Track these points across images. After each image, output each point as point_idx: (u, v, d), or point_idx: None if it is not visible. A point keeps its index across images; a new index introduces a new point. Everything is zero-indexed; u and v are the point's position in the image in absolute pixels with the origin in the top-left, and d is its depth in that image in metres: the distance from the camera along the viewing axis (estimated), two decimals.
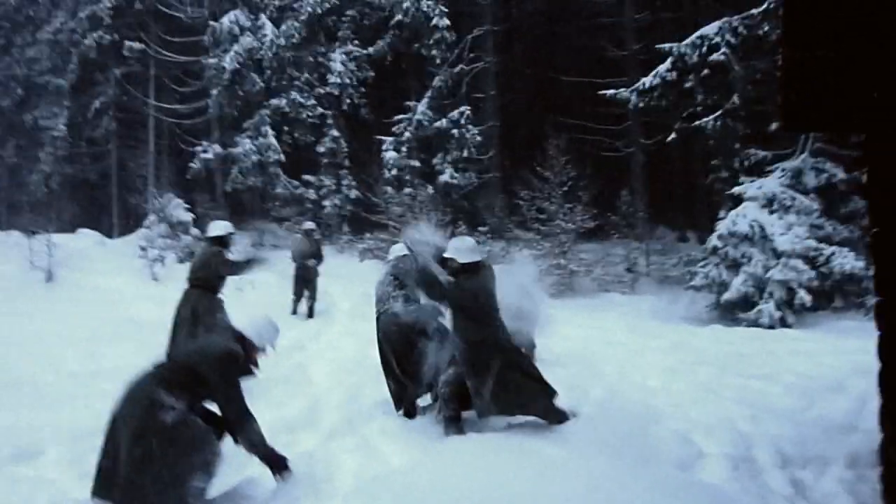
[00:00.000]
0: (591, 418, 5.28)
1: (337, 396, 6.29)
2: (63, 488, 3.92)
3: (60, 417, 5.24)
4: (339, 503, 3.57)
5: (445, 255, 5.15)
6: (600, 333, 9.58)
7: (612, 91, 13.77)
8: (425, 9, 17.74)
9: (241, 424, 3.77)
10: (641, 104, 13.11)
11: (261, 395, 6.35)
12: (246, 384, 6.22)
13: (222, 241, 7.23)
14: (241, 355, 3.86)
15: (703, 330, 9.77)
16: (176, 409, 3.54)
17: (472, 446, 4.55)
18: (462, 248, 5.10)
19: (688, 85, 12.47)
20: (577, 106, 17.76)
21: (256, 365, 4.04)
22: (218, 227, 7.41)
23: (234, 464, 3.97)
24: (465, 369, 4.84)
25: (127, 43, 22.66)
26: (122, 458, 3.46)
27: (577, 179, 14.60)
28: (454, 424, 4.93)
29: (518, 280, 6.71)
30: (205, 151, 21.16)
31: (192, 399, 3.67)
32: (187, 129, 23.89)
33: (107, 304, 10.18)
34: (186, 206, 17.68)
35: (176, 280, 13.47)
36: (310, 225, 12.65)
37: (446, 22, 17.82)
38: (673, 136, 13.13)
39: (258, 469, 3.94)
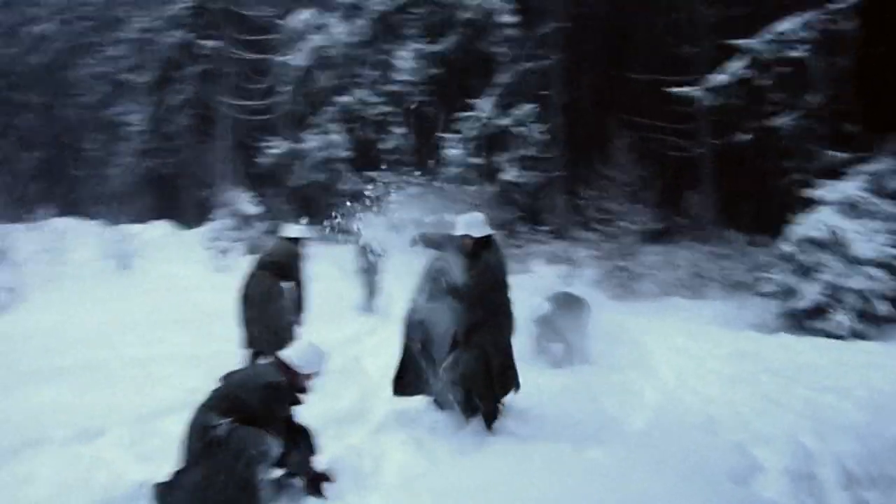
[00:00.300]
0: (644, 425, 5.15)
1: (389, 391, 6.32)
2: (119, 469, 4.08)
3: (121, 400, 5.46)
4: (381, 498, 3.57)
5: (456, 232, 4.99)
6: (660, 339, 9.29)
7: (680, 89, 13.36)
8: (492, 6, 17.65)
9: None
10: (711, 103, 12.66)
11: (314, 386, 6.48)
12: None
13: (297, 243, 7.40)
14: (283, 387, 3.82)
15: (770, 338, 9.36)
16: (225, 424, 3.59)
17: (518, 448, 4.50)
18: (473, 223, 4.93)
19: (762, 83, 11.95)
20: (644, 104, 17.29)
21: (304, 391, 4.00)
22: (295, 230, 7.57)
23: None
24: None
25: (203, 42, 23.54)
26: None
27: (642, 180, 14.25)
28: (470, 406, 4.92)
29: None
30: (273, 147, 21.73)
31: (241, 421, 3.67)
32: (257, 125, 24.63)
33: (173, 292, 10.57)
34: (254, 200, 18.18)
35: (239, 271, 13.93)
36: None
37: (513, 19, 17.68)
38: (745, 136, 12.63)
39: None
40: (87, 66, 27.77)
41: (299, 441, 3.94)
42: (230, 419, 3.58)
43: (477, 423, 5.01)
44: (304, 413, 5.32)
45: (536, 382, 6.68)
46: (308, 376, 3.94)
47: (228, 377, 3.88)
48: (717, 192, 16.29)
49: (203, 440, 3.53)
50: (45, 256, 10.95)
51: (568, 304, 8.12)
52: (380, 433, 5.01)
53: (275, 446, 3.69)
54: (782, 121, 11.66)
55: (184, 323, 8.70)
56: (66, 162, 30.96)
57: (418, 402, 5.84)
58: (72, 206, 26.84)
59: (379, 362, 7.64)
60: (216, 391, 3.79)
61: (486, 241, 4.92)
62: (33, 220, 13.27)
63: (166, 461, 4.22)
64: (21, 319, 9.04)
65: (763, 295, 11.36)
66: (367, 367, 7.41)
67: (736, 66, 12.05)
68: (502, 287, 5.00)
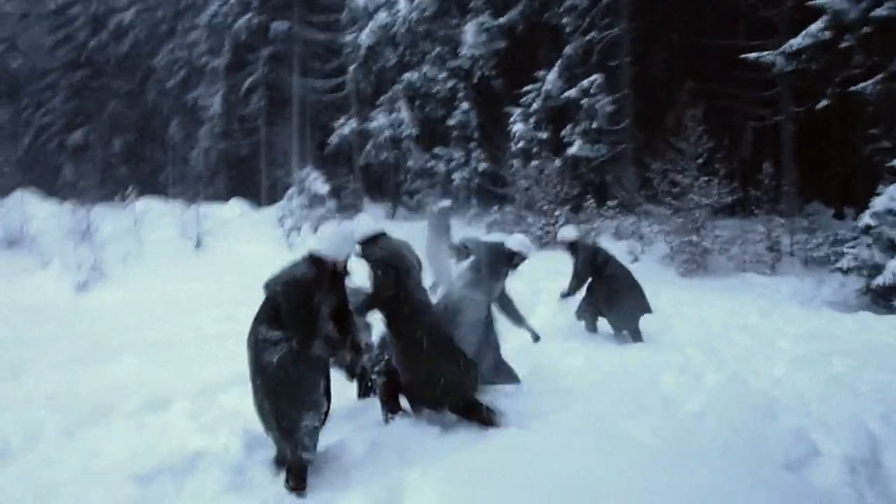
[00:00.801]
0: (699, 407, 5.02)
1: None
2: (183, 438, 4.32)
3: (191, 373, 5.76)
4: (418, 473, 3.64)
5: (514, 249, 5.66)
6: (727, 316, 8.99)
7: (754, 55, 12.67)
8: None
9: (299, 340, 3.77)
10: (790, 68, 11.95)
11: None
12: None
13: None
14: (307, 279, 3.78)
15: (848, 317, 8.87)
16: (279, 346, 3.74)
17: (563, 427, 4.48)
18: (529, 245, 5.74)
19: (844, 45, 11.19)
20: (718, 72, 16.52)
21: (342, 276, 4.02)
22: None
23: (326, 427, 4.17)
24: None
25: (273, 24, 24.05)
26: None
27: (714, 151, 13.69)
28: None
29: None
30: (342, 127, 22.09)
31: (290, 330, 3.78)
32: (327, 105, 25.08)
33: (245, 269, 10.97)
34: (324, 179, 18.59)
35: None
36: (445, 203, 11.49)
37: None
38: (825, 102, 11.89)
39: (350, 433, 4.11)
40: (166, 52, 28.88)
41: (345, 332, 4.11)
42: (282, 331, 3.76)
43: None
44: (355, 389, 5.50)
45: (592, 360, 6.63)
46: (337, 262, 3.92)
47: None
48: (798, 163, 15.46)
49: (256, 358, 3.79)
50: (126, 236, 11.57)
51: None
52: (428, 412, 5.09)
53: (327, 400, 3.94)
54: (867, 85, 10.87)
55: (254, 299, 9.01)
56: (149, 145, 32.50)
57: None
58: (154, 188, 28.20)
59: None
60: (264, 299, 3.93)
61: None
62: (119, 202, 13.99)
63: (224, 431, 4.47)
64: (103, 296, 9.66)
65: (844, 271, 10.78)
66: None
67: (816, 28, 11.30)
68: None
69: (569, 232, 7.83)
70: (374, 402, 4.96)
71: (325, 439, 4.42)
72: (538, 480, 3.48)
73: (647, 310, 7.62)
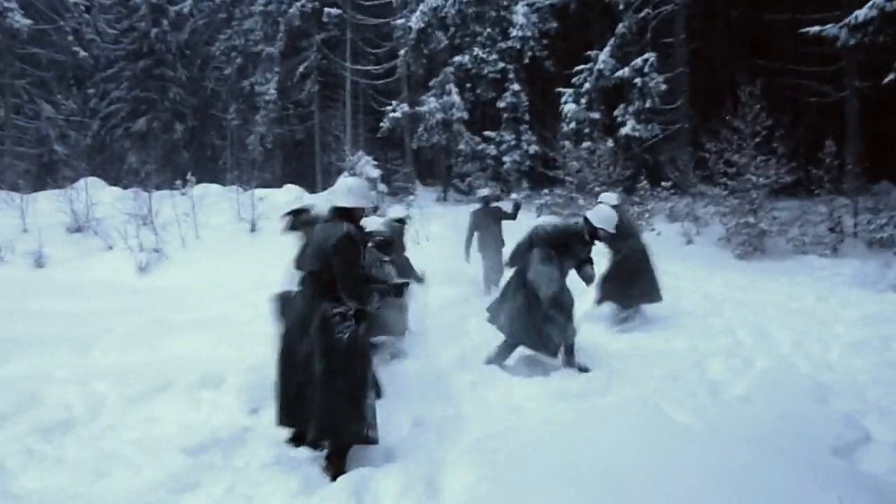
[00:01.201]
0: (746, 391, 4.93)
1: (489, 349, 6.45)
2: (233, 413, 4.50)
3: (244, 352, 5.96)
4: (457, 453, 3.71)
5: (597, 224, 5.62)
6: (783, 299, 8.75)
7: (816, 28, 12.13)
8: None
9: (357, 296, 3.76)
10: (854, 41, 11.41)
11: (416, 343, 6.74)
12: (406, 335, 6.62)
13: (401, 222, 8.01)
14: (354, 233, 3.75)
15: None
16: (347, 323, 3.71)
17: (610, 408, 4.47)
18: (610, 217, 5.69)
19: None
20: (779, 47, 15.92)
21: (363, 217, 4.03)
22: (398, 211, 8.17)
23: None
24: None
25: (326, 9, 24.30)
26: (303, 381, 3.70)
27: (772, 129, 13.20)
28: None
29: None
30: (394, 111, 22.23)
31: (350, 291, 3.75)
32: (379, 89, 25.27)
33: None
34: (375, 163, 18.78)
35: None
36: (485, 191, 10.62)
37: None
38: (892, 76, 11.32)
39: (387, 417, 4.18)
40: (223, 40, 29.55)
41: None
42: (344, 306, 3.75)
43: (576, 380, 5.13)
44: (402, 367, 5.61)
45: (638, 342, 6.58)
46: (364, 210, 3.95)
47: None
48: (864, 140, 14.79)
49: (326, 337, 3.70)
50: (185, 220, 11.98)
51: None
52: (473, 390, 5.15)
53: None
54: None
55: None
56: (209, 132, 33.41)
57: (518, 362, 5.95)
58: (213, 173, 29.01)
59: (484, 323, 7.79)
60: (306, 274, 3.92)
61: None
62: (179, 187, 14.47)
63: (274, 407, 4.63)
64: (163, 277, 10.07)
65: None
66: (471, 327, 7.56)
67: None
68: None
69: (610, 198, 7.73)
70: (414, 387, 5.06)
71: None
72: (575, 462, 3.49)
73: (653, 298, 7.53)
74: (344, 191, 3.88)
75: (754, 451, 3.74)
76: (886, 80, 11.73)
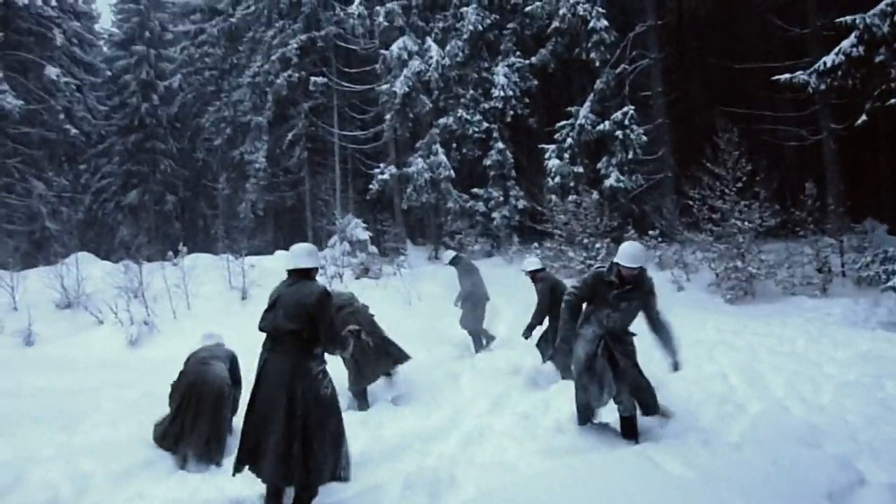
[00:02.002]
0: (739, 438, 4.91)
1: (480, 405, 6.42)
2: (223, 486, 4.43)
3: (236, 421, 5.90)
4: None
5: (623, 263, 4.96)
6: (774, 342, 8.76)
7: (786, 76, 12.54)
8: (582, 13, 17.44)
9: (342, 344, 4.26)
10: (823, 86, 11.78)
11: (408, 402, 6.70)
12: (396, 393, 6.61)
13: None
14: (327, 290, 4.26)
15: None
16: (327, 377, 4.12)
17: (602, 463, 4.42)
18: (637, 253, 5.10)
19: (879, 59, 10.99)
20: (754, 95, 16.39)
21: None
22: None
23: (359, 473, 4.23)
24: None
25: (312, 78, 24.94)
26: (280, 434, 3.87)
27: (753, 174, 13.47)
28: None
29: None
30: (382, 173, 22.55)
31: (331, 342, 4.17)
32: (367, 152, 25.72)
33: None
34: (364, 225, 18.94)
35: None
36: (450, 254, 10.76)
37: (604, 23, 17.36)
38: (863, 118, 11.64)
39: (378, 480, 4.14)
40: (212, 111, 30.18)
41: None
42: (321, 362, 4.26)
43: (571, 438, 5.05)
44: (394, 428, 5.56)
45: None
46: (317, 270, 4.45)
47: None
48: (844, 180, 15.07)
49: (313, 392, 4.06)
50: (176, 291, 12.00)
51: None
52: (466, 447, 5.11)
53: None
54: None
55: None
56: (200, 201, 33.76)
57: (512, 416, 5.91)
58: (205, 242, 29.17)
59: (475, 377, 7.76)
60: (279, 331, 4.18)
61: None
62: (171, 258, 14.54)
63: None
64: (154, 349, 10.02)
65: (893, 289, 10.38)
66: (463, 383, 7.53)
67: (849, 44, 11.13)
68: None
69: (532, 262, 8.09)
70: (405, 449, 5.02)
71: (365, 478, 4.50)
72: None
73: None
74: (303, 254, 4.33)
75: (746, 499, 3.72)
76: (859, 121, 12.05)
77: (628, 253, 4.99)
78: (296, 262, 4.28)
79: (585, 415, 5.24)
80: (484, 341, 9.78)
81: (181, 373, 5.58)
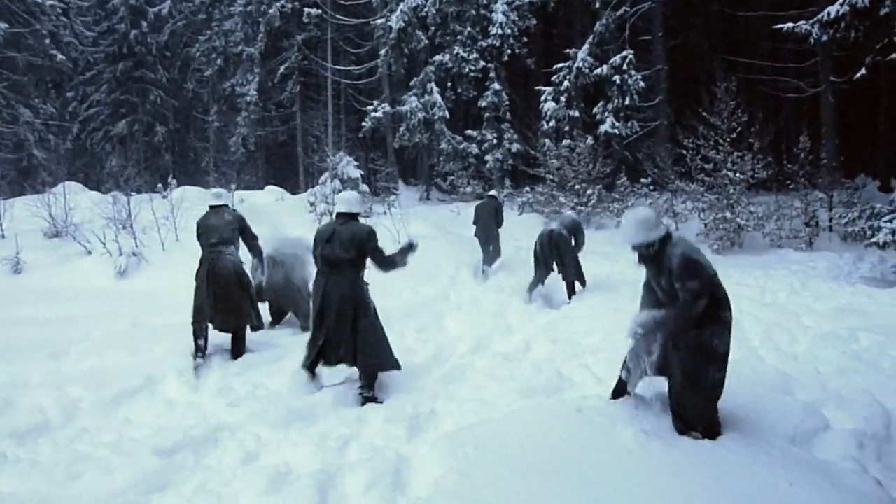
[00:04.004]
0: None
1: (463, 345, 6.55)
2: (208, 413, 4.55)
3: (222, 354, 6.01)
4: (426, 448, 3.78)
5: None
6: (757, 293, 8.89)
7: (788, 25, 12.31)
8: None
9: (392, 264, 5.31)
10: (825, 37, 11.59)
11: (392, 341, 6.80)
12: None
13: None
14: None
15: (882, 293, 8.67)
16: (370, 294, 5.27)
17: (574, 404, 4.53)
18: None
19: (884, 11, 10.80)
20: (755, 44, 16.14)
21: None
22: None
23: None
24: None
25: (306, 10, 24.26)
26: (348, 327, 5.04)
27: (748, 125, 13.39)
28: None
29: None
30: (375, 110, 22.23)
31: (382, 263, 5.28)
32: (361, 89, 25.29)
33: None
34: (356, 163, 18.75)
35: None
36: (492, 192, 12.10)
37: None
38: (863, 72, 11.51)
39: (359, 414, 4.24)
40: (203, 41, 29.39)
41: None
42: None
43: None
44: None
45: (612, 337, 6.66)
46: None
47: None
48: (840, 135, 15.02)
49: (363, 300, 5.19)
50: (165, 223, 11.93)
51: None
52: (447, 384, 5.23)
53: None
54: None
55: None
56: (190, 134, 33.26)
57: (492, 356, 6.03)
58: (195, 176, 28.87)
59: (460, 319, 7.88)
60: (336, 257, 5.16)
61: None
62: (160, 190, 14.42)
63: (247, 406, 4.69)
64: (143, 281, 10.02)
65: (880, 245, 10.50)
66: (448, 323, 7.65)
67: None
68: None
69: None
70: (387, 384, 5.14)
71: (346, 412, 4.62)
72: (539, 454, 3.58)
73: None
74: (354, 202, 5.31)
75: (713, 442, 3.85)
76: (858, 74, 11.93)
77: (622, 227, 3.97)
78: (348, 207, 5.23)
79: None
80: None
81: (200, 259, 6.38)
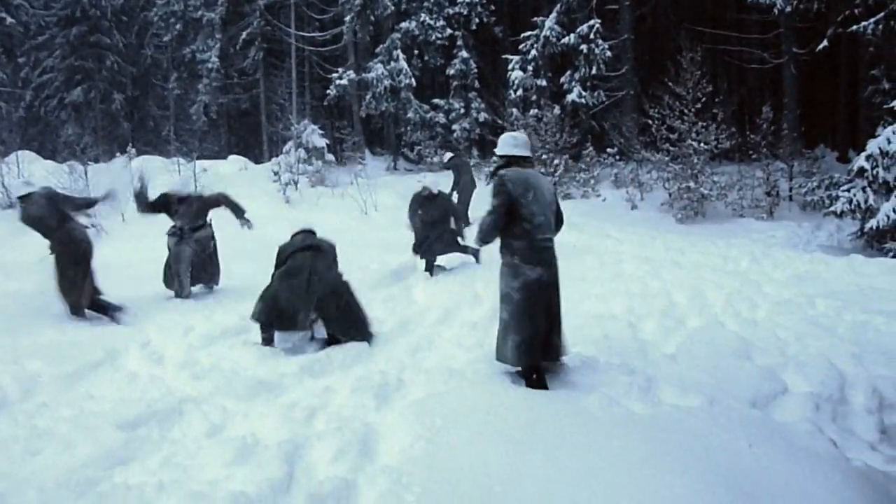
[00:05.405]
0: (674, 350, 5.14)
1: (432, 315, 6.54)
2: (172, 386, 4.49)
3: (185, 327, 5.92)
4: (395, 416, 3.79)
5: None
6: (719, 262, 9.08)
7: None
8: None
9: None
10: (789, 8, 11.69)
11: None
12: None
13: None
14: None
15: (838, 260, 8.93)
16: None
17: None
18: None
19: None
20: (720, 15, 16.21)
21: None
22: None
23: None
24: None
25: None
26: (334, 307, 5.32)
27: (713, 95, 13.52)
28: None
29: None
30: (340, 78, 21.83)
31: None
32: (325, 56, 24.76)
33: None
34: (321, 132, 18.47)
35: (307, 203, 14.39)
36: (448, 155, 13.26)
37: None
38: (824, 43, 11.67)
39: (326, 384, 4.22)
40: (161, 5, 28.41)
41: None
42: None
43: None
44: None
45: (576, 306, 6.72)
46: None
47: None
48: (801, 106, 15.26)
49: (343, 282, 5.61)
50: (125, 193, 11.63)
51: None
52: (414, 354, 5.23)
53: None
54: (867, 24, 10.63)
55: (248, 254, 9.15)
56: (149, 101, 32.29)
57: (460, 326, 6.05)
58: (155, 144, 28.11)
59: (429, 289, 7.87)
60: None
61: None
62: (119, 159, 14.03)
63: (211, 379, 4.63)
64: (102, 254, 9.74)
65: (838, 214, 10.78)
66: (417, 294, 7.64)
67: None
68: None
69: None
70: (354, 354, 5.13)
71: (313, 382, 4.60)
72: (506, 420, 3.61)
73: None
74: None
75: (672, 404, 3.94)
76: (820, 46, 12.09)
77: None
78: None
79: None
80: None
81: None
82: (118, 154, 14.21)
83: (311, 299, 5.29)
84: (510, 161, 4.43)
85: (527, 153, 4.48)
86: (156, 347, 5.39)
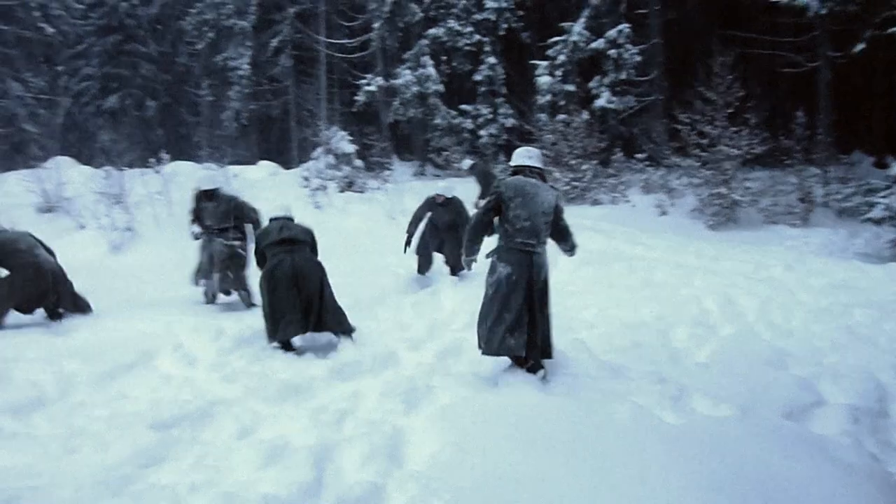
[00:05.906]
0: (707, 359, 5.06)
1: (459, 320, 6.53)
2: (204, 388, 4.55)
3: (219, 330, 5.99)
4: (423, 421, 3.78)
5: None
6: (751, 269, 8.92)
7: None
8: None
9: None
10: (824, 10, 11.47)
11: (388, 316, 6.80)
12: (377, 307, 6.70)
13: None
14: None
15: (877, 269, 8.73)
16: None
17: (570, 382, 4.54)
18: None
19: None
20: (752, 18, 15.95)
21: None
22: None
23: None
24: None
25: None
26: (318, 298, 5.53)
27: (745, 100, 13.31)
28: None
29: None
30: (369, 84, 21.99)
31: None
32: (354, 63, 24.95)
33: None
34: (350, 137, 18.58)
35: (336, 208, 14.48)
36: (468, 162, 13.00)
37: None
38: (862, 45, 11.42)
39: (355, 390, 4.24)
40: (194, 14, 28.91)
41: None
42: None
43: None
44: (375, 340, 5.67)
45: (607, 312, 6.66)
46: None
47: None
48: (836, 111, 14.95)
49: (324, 274, 5.75)
50: (157, 199, 11.85)
51: None
52: (443, 359, 5.22)
53: None
54: None
55: None
56: (182, 108, 32.85)
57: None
58: (187, 150, 28.54)
59: (456, 294, 7.87)
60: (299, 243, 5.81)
61: None
62: (151, 165, 14.29)
63: (242, 382, 4.68)
64: (137, 256, 9.98)
65: (875, 221, 10.52)
66: (443, 298, 7.64)
67: None
68: None
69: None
70: (384, 359, 5.13)
71: (342, 386, 4.62)
72: (535, 425, 3.58)
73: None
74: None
75: (705, 414, 3.87)
76: (857, 49, 11.84)
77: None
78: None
79: None
80: None
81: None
82: (151, 160, 14.41)
83: (303, 301, 5.53)
84: (518, 170, 4.62)
85: (537, 164, 4.66)
86: (188, 350, 5.46)
